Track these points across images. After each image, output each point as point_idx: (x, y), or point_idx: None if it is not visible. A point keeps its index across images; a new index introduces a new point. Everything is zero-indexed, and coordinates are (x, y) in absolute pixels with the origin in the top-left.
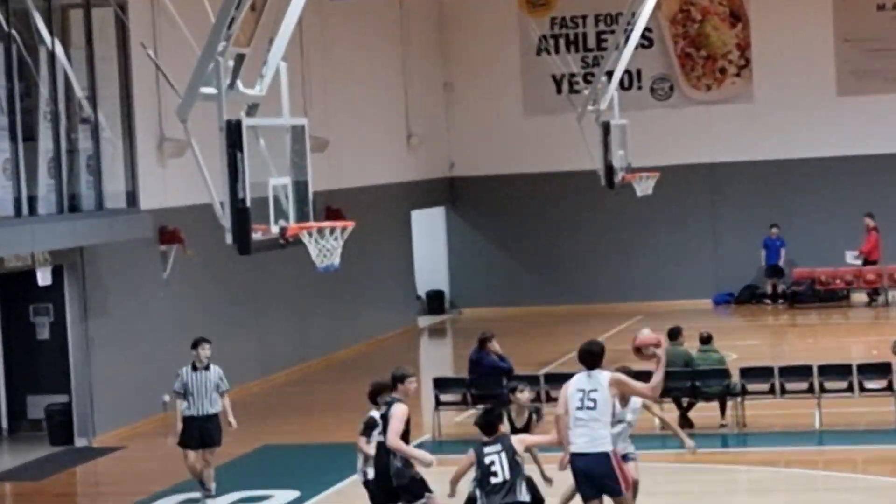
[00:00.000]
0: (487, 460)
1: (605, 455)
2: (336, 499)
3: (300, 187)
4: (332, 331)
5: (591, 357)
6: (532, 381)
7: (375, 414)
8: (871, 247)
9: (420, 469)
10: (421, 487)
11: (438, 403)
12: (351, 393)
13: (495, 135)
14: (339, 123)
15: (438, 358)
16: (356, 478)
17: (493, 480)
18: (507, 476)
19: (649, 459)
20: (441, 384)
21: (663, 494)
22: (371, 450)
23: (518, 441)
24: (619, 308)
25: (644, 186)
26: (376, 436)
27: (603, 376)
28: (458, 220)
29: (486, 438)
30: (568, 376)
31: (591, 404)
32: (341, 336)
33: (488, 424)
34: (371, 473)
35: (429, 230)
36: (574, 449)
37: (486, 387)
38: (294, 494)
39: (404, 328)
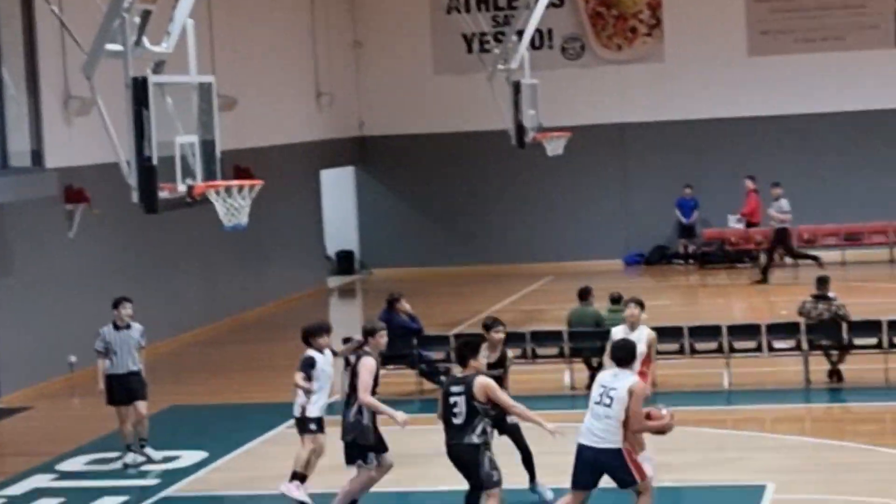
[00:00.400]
0: (451, 400)
1: (618, 451)
2: (245, 459)
3: (207, 146)
4: (241, 291)
5: (625, 354)
6: (441, 341)
7: (312, 353)
8: (753, 209)
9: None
10: (378, 446)
11: (347, 364)
12: (260, 353)
13: (405, 94)
14: (247, 82)
15: (348, 318)
16: (266, 437)
17: (454, 421)
18: (464, 420)
19: (558, 419)
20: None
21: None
22: (313, 386)
23: (480, 389)
24: (529, 268)
25: (554, 146)
26: (325, 374)
27: (627, 381)
28: (368, 180)
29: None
30: (477, 335)
31: (608, 402)
32: (250, 296)
33: (460, 356)
34: (313, 411)
35: (338, 190)
36: (583, 440)
37: (396, 347)
38: (202, 455)
39: (313, 288)
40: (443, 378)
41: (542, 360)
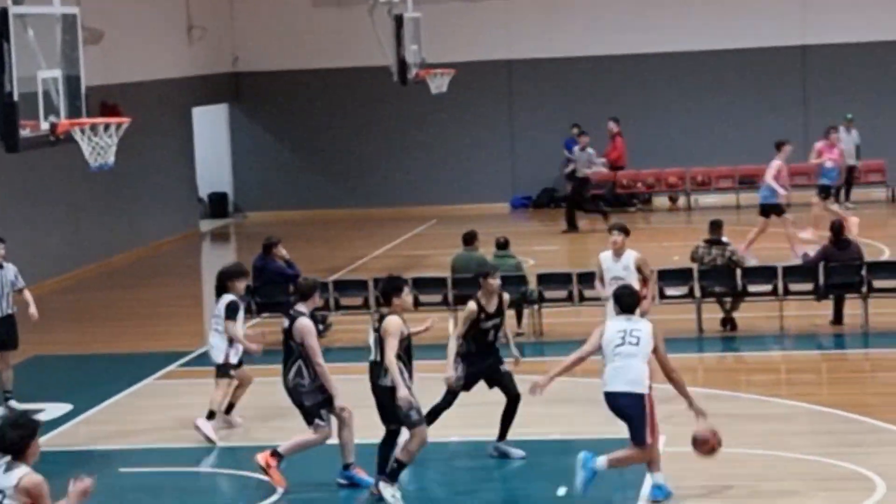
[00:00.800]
0: (370, 339)
1: (641, 397)
2: (111, 411)
3: (72, 81)
4: (109, 234)
5: (633, 301)
6: (358, 286)
7: (234, 298)
8: (619, 153)
9: None
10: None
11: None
12: (129, 300)
13: (282, 27)
14: (115, 14)
15: (221, 264)
16: (133, 390)
17: (370, 358)
18: (377, 357)
19: (442, 369)
20: (224, 291)
21: (456, 405)
22: (238, 331)
23: (386, 326)
24: (412, 212)
25: (438, 83)
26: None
27: (645, 323)
28: (243, 119)
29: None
30: (360, 283)
31: (635, 340)
32: (118, 240)
33: (384, 294)
34: (235, 357)
35: (211, 129)
36: (610, 388)
37: (272, 294)
38: (66, 408)
39: (185, 232)
40: (321, 326)
41: (425, 307)
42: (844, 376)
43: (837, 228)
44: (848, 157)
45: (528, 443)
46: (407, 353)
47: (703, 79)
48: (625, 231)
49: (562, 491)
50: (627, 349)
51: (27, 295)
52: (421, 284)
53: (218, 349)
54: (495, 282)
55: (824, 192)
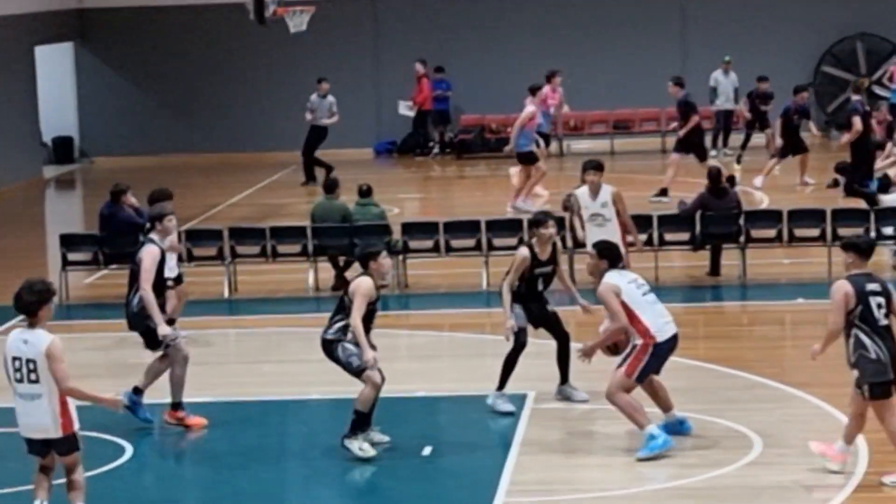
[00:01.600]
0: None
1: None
2: None
3: None
4: None
5: (617, 254)
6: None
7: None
8: (424, 96)
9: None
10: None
11: (66, 263)
12: None
13: None
14: None
15: (67, 212)
16: None
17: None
18: (331, 315)
19: (303, 323)
20: (69, 241)
21: (317, 362)
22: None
23: (353, 287)
24: (270, 157)
25: (298, 22)
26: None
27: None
28: (89, 58)
29: None
30: (213, 232)
31: (648, 287)
32: None
33: (361, 259)
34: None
35: (55, 69)
36: (670, 333)
37: (121, 245)
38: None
39: (28, 179)
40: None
41: (283, 258)
42: (721, 330)
43: (715, 175)
44: (726, 101)
45: (395, 400)
46: (369, 319)
47: (579, 17)
48: (600, 168)
49: (427, 450)
50: (653, 296)
51: None
52: (279, 234)
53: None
54: (548, 231)
55: None
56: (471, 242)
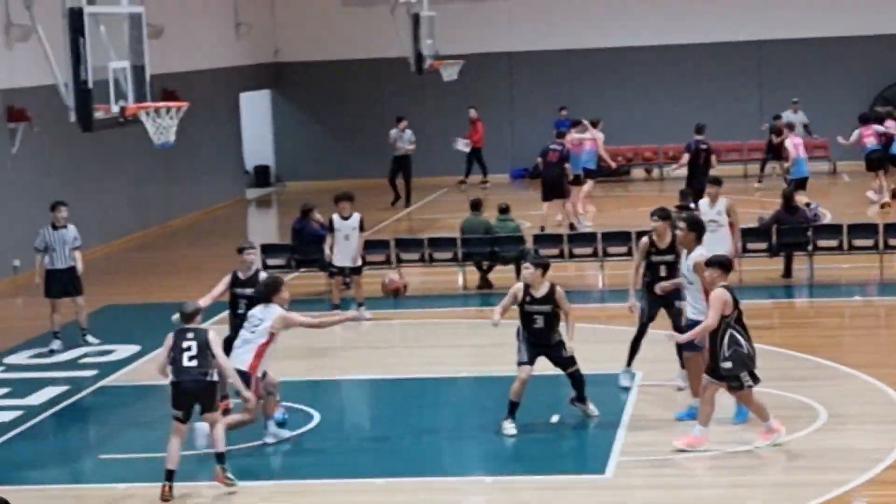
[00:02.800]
0: None
1: None
2: None
3: (138, 70)
4: (168, 201)
5: (703, 226)
6: None
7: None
8: (479, 135)
9: None
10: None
11: (265, 267)
12: (186, 257)
13: (317, 24)
14: (173, 11)
15: (265, 226)
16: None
17: None
18: None
19: (453, 316)
20: (268, 250)
21: (465, 347)
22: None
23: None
24: (429, 182)
25: (450, 72)
26: None
27: None
28: (283, 102)
29: None
30: (382, 242)
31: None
32: (176, 206)
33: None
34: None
35: (256, 111)
36: None
37: (308, 252)
38: (134, 349)
39: (234, 199)
40: (346, 280)
41: (438, 263)
42: (793, 321)
43: (788, 196)
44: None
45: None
46: None
47: (674, 69)
48: (719, 183)
49: (555, 418)
50: None
51: (77, 255)
52: (435, 243)
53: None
54: (656, 223)
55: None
56: (589, 250)
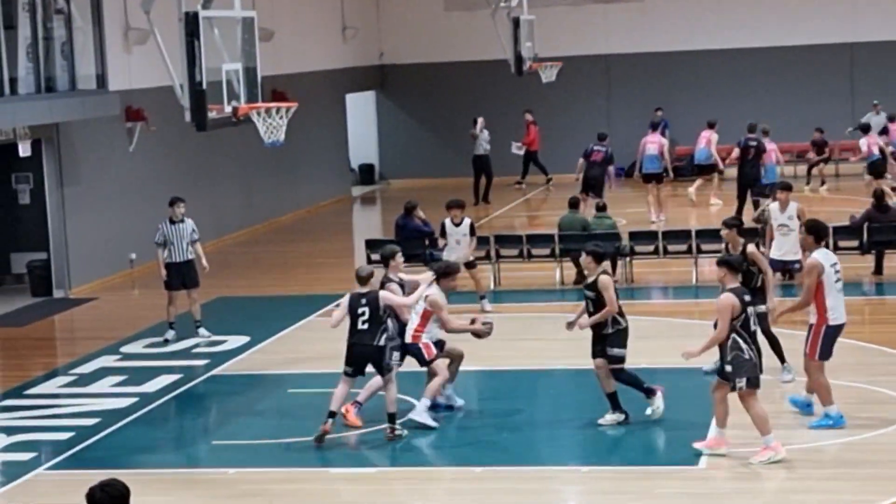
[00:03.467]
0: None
1: None
2: (282, 343)
3: (250, 72)
4: (277, 198)
5: (824, 229)
6: None
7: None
8: (532, 139)
9: None
10: None
11: (370, 261)
12: (294, 252)
13: (420, 28)
14: (283, 16)
15: (369, 223)
16: (300, 325)
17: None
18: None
19: (550, 310)
20: (372, 245)
21: (562, 340)
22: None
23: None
24: (528, 179)
25: (548, 74)
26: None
27: None
28: (387, 103)
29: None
30: (481, 239)
31: (841, 276)
32: (284, 202)
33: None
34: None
35: (361, 111)
36: (841, 321)
37: (411, 248)
38: (245, 339)
39: (339, 197)
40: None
41: (536, 259)
42: (883, 317)
43: (880, 195)
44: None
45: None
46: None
47: (766, 70)
48: (789, 188)
49: (649, 411)
50: (841, 282)
51: (198, 248)
52: (533, 240)
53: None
54: (722, 230)
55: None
56: (683, 247)
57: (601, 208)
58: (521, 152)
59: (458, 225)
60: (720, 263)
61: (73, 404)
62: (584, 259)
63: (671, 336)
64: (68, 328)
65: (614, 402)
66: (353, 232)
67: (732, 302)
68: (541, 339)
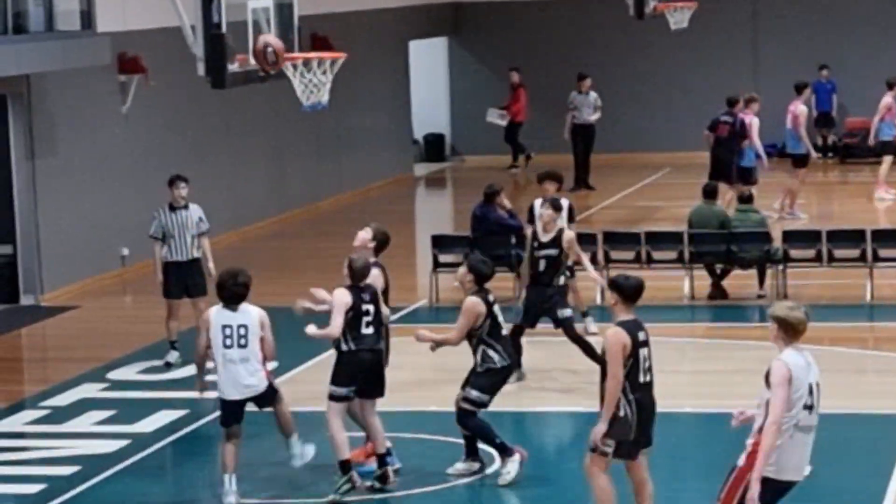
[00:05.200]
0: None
1: None
2: (316, 370)
3: (284, 10)
4: (315, 178)
5: None
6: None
7: None
8: (520, 107)
9: None
10: None
11: (437, 265)
12: (335, 250)
13: None
14: None
15: (437, 212)
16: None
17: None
18: None
19: (676, 333)
20: (440, 242)
21: (689, 373)
22: None
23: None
24: (644, 158)
25: (679, 18)
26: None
27: None
28: (463, 54)
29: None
30: (586, 236)
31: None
32: (325, 184)
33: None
34: None
35: (429, 64)
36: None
37: (492, 246)
38: (269, 366)
39: (398, 176)
40: None
41: (657, 264)
42: None
43: None
44: None
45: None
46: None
47: None
48: None
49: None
50: None
51: (206, 244)
52: (654, 239)
53: None
54: None
55: None
56: (855, 252)
57: (745, 199)
58: (503, 122)
59: None
60: (611, 286)
61: (44, 447)
62: (462, 274)
63: (840, 370)
64: (39, 346)
65: (471, 448)
66: (416, 224)
67: (623, 341)
68: (661, 370)
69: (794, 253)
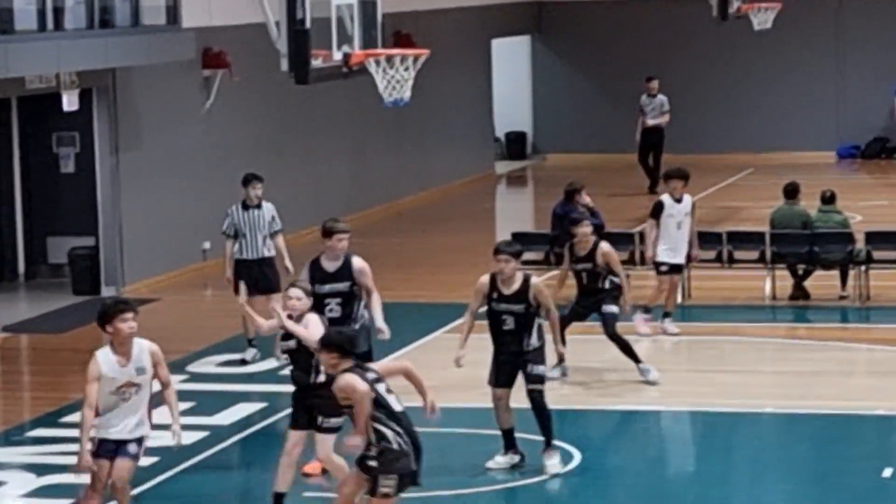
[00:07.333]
0: None
1: None
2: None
3: (367, 8)
4: (395, 175)
5: None
6: (625, 239)
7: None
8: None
9: None
10: None
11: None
12: (415, 247)
13: None
14: None
15: (518, 210)
16: (420, 343)
17: None
18: None
19: (757, 333)
20: (520, 240)
21: (770, 374)
22: None
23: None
24: (726, 159)
25: (763, 19)
26: None
27: None
28: (546, 52)
29: None
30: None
31: None
32: (406, 182)
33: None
34: None
35: (511, 62)
36: None
37: None
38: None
39: (479, 174)
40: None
41: (739, 265)
42: None
43: None
44: None
45: (850, 417)
46: None
47: None
48: None
49: (888, 472)
50: None
51: (280, 242)
52: (736, 239)
53: None
54: None
55: None
56: None
57: (828, 199)
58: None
59: (678, 201)
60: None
61: None
62: (323, 355)
63: None
64: None
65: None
66: (496, 221)
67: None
68: (743, 370)
69: (877, 254)
